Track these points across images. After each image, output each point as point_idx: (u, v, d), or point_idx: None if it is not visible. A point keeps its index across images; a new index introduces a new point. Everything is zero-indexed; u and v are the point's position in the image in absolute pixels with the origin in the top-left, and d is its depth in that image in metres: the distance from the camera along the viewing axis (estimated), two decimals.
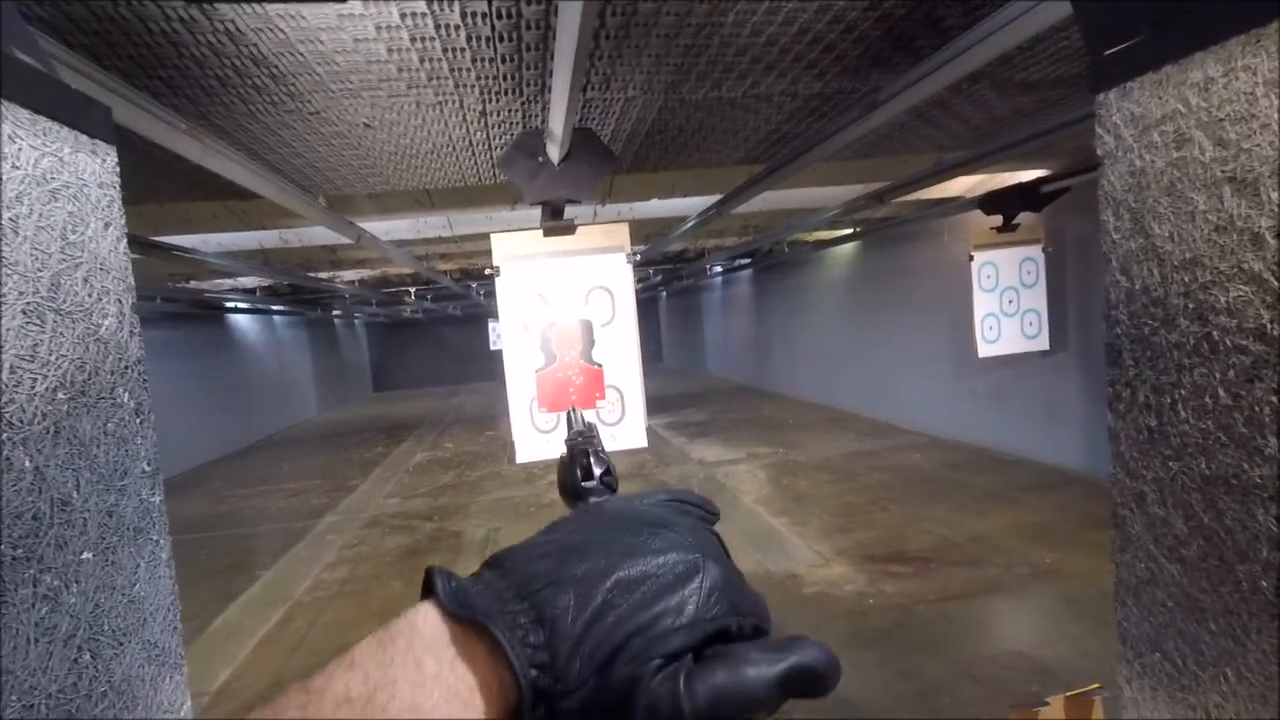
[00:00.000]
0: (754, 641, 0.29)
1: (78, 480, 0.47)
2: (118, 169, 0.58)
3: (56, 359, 0.47)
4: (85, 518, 0.48)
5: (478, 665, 0.26)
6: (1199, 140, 0.51)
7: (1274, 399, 0.47)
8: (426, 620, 0.27)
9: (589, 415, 2.17)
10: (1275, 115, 0.45)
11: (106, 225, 0.54)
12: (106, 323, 0.52)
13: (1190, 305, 0.52)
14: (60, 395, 0.47)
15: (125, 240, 0.56)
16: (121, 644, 0.49)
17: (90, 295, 0.51)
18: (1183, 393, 0.54)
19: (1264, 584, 0.49)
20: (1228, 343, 0.50)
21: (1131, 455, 0.60)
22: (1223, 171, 0.49)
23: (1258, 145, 0.47)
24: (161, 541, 0.57)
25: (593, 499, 0.45)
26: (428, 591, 0.29)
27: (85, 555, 0.47)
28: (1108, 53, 0.59)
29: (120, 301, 0.54)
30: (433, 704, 0.25)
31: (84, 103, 0.54)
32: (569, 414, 0.62)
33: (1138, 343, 0.58)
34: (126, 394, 0.54)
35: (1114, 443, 0.62)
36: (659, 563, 0.29)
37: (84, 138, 0.53)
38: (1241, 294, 0.48)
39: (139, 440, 0.56)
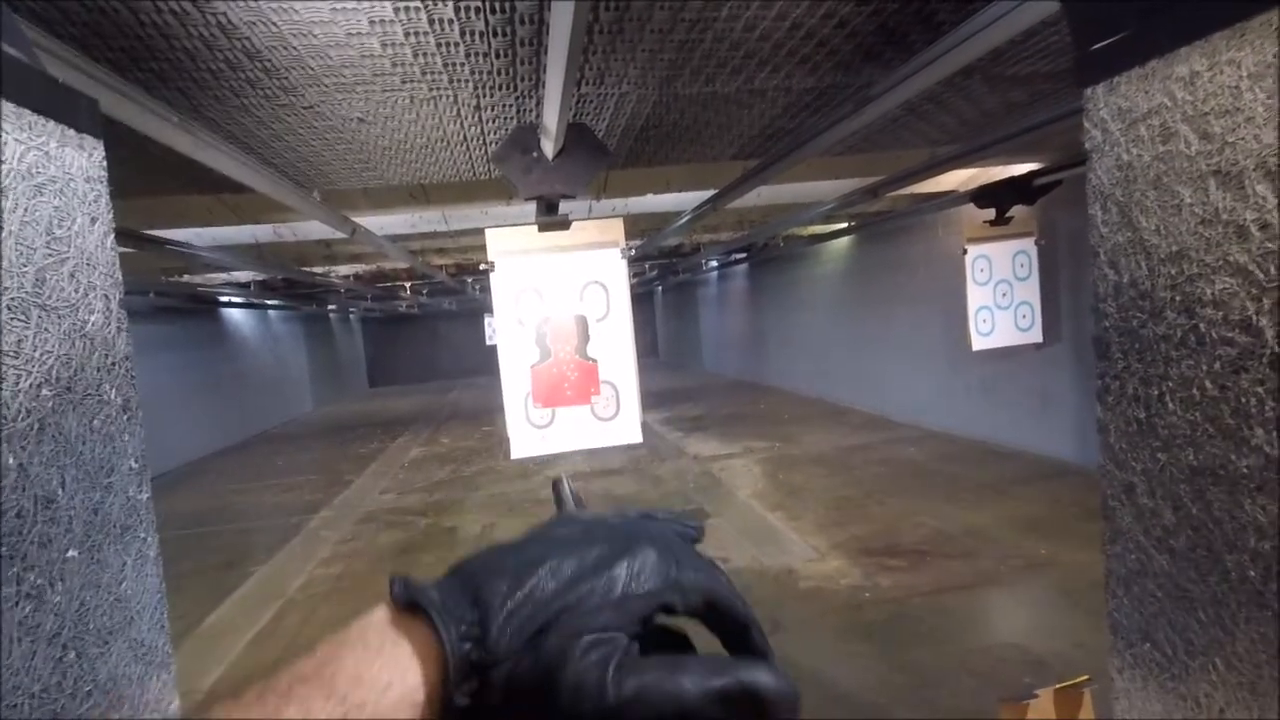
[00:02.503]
0: (705, 655, 0.30)
1: (63, 477, 0.47)
2: (105, 163, 0.58)
3: (41, 355, 0.46)
4: (70, 515, 0.47)
5: (416, 641, 0.29)
6: (1185, 134, 0.51)
7: (1260, 390, 0.47)
8: (377, 614, 0.31)
9: (588, 408, 2.17)
10: (1259, 109, 0.46)
11: (93, 220, 0.54)
12: (93, 318, 0.52)
13: (1177, 298, 0.53)
14: (45, 392, 0.46)
15: (113, 235, 0.56)
16: (107, 643, 0.49)
17: (77, 291, 0.51)
18: (1170, 385, 0.54)
19: (1252, 573, 0.49)
20: (1214, 335, 0.50)
21: (1120, 447, 0.60)
22: (1208, 165, 0.49)
23: (1242, 139, 0.47)
24: (149, 539, 0.57)
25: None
26: None
27: (70, 553, 0.47)
28: (1095, 48, 0.59)
29: (107, 297, 0.54)
30: (374, 672, 0.28)
31: (71, 96, 0.53)
32: (555, 487, 0.60)
33: (1126, 335, 0.58)
34: (114, 390, 0.54)
35: (1103, 435, 0.62)
36: (595, 552, 0.31)
37: (71, 132, 0.53)
38: (1227, 286, 0.49)
39: (126, 437, 0.56)
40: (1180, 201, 0.53)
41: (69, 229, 0.51)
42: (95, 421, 0.51)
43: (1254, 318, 0.47)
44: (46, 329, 0.47)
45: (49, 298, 0.48)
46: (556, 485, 0.59)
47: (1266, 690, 0.47)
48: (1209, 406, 0.51)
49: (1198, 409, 0.52)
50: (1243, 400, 0.48)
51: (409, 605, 0.30)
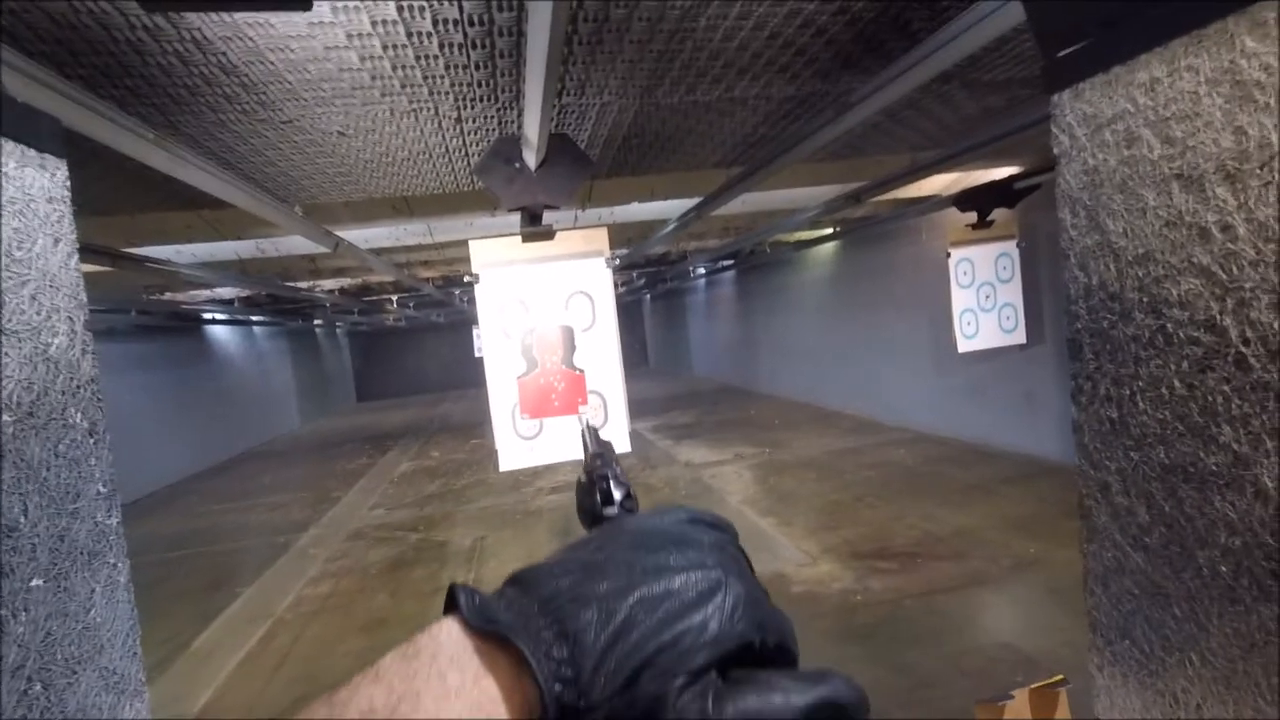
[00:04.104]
0: (785, 670, 0.29)
1: (25, 505, 0.46)
2: (68, 183, 0.57)
3: (1, 380, 0.45)
4: (34, 543, 0.46)
5: (501, 678, 0.26)
6: (1147, 139, 0.52)
7: (1226, 388, 0.48)
8: (449, 635, 0.28)
9: (576, 418, 2.16)
10: (1217, 114, 0.47)
11: (56, 241, 0.53)
12: (56, 341, 0.51)
13: (1145, 299, 0.53)
14: (5, 417, 0.45)
15: (77, 256, 0.55)
16: (76, 673, 0.48)
17: (39, 313, 0.49)
18: (1140, 384, 0.55)
19: (1223, 569, 0.50)
20: (1181, 335, 0.51)
21: (1095, 447, 0.61)
22: (1170, 169, 0.50)
23: (1202, 143, 0.48)
24: (119, 565, 0.56)
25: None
26: (450, 608, 0.29)
27: (35, 582, 0.45)
28: (1060, 55, 0.60)
29: (71, 319, 0.53)
30: (455, 715, 0.25)
31: (31, 116, 0.52)
32: (583, 433, 0.62)
33: (1097, 337, 0.59)
34: (79, 414, 0.53)
35: (1078, 435, 0.63)
36: (681, 580, 0.29)
37: (31, 152, 0.52)
38: (1191, 287, 0.49)
39: (93, 461, 0.54)
40: (1145, 205, 0.54)
41: (29, 250, 0.50)
42: (60, 446, 0.50)
43: (1218, 317, 0.48)
44: (6, 353, 0.46)
45: (9, 321, 0.47)
46: (583, 435, 0.60)
47: (1241, 684, 0.47)
48: (1178, 405, 0.51)
49: (1167, 408, 0.52)
50: (1210, 399, 0.49)
51: (486, 629, 0.27)
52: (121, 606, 0.54)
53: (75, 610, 0.49)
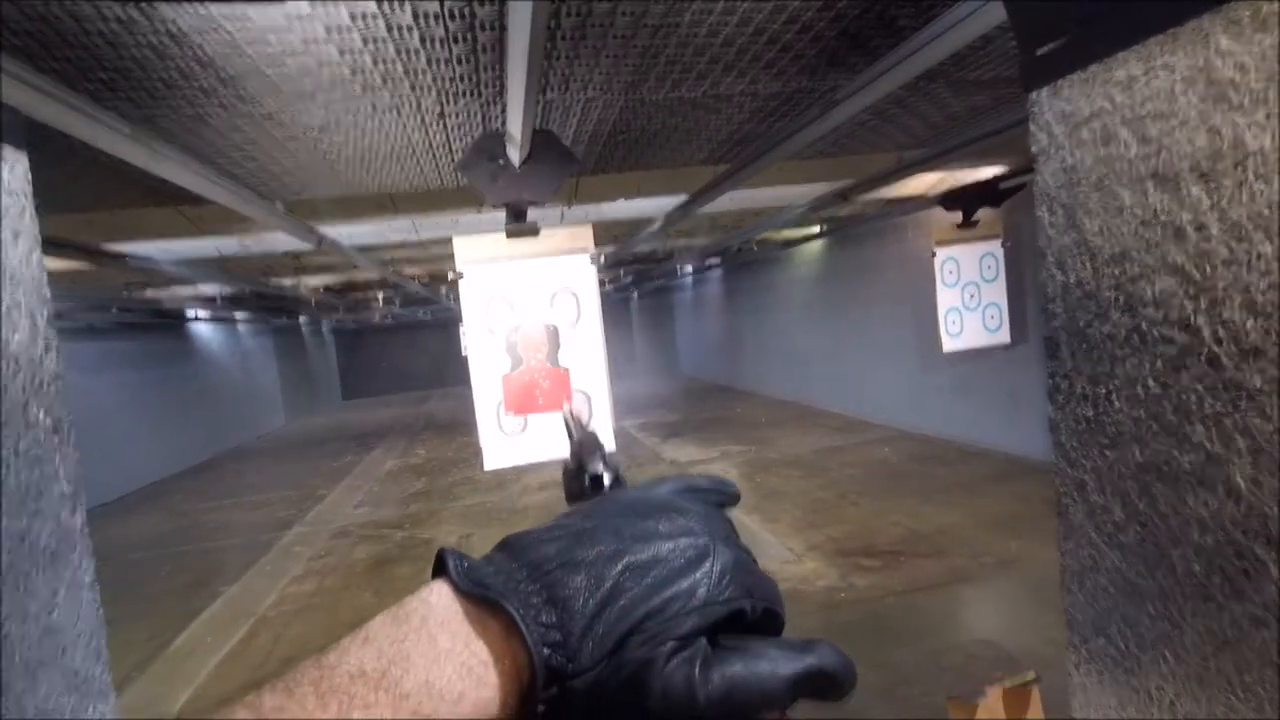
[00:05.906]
0: (774, 639, 0.30)
1: None
2: (29, 176, 0.55)
3: None
4: None
5: (492, 642, 0.27)
6: (1124, 137, 0.52)
7: (1199, 387, 0.48)
8: (440, 598, 0.28)
9: (570, 407, 2.16)
10: (1192, 112, 0.47)
11: (16, 235, 0.51)
12: (17, 337, 0.49)
13: (1120, 298, 0.54)
14: None
15: (39, 250, 0.53)
16: (36, 675, 0.47)
17: None
18: (1116, 383, 0.55)
19: (1195, 567, 0.50)
20: (1155, 334, 0.51)
21: (1071, 445, 0.61)
22: (1146, 167, 0.51)
23: (1177, 142, 0.48)
24: (83, 565, 0.54)
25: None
26: (439, 571, 0.29)
27: None
28: (1039, 52, 0.60)
29: (33, 315, 0.51)
30: (446, 679, 0.25)
31: None
32: (566, 421, 0.61)
33: (1074, 335, 0.59)
34: (42, 411, 0.51)
35: (1055, 433, 0.63)
36: (669, 547, 0.29)
37: None
38: (1166, 286, 0.50)
39: (56, 460, 0.53)
40: (1121, 203, 0.54)
41: None
42: (21, 444, 0.49)
43: (1192, 317, 0.48)
44: None
45: None
46: (565, 421, 0.60)
47: (1213, 681, 0.48)
48: (1152, 404, 0.52)
49: (1142, 407, 0.53)
50: (1183, 398, 0.49)
51: (476, 593, 0.27)
52: (86, 607, 0.53)
53: (36, 612, 0.48)
